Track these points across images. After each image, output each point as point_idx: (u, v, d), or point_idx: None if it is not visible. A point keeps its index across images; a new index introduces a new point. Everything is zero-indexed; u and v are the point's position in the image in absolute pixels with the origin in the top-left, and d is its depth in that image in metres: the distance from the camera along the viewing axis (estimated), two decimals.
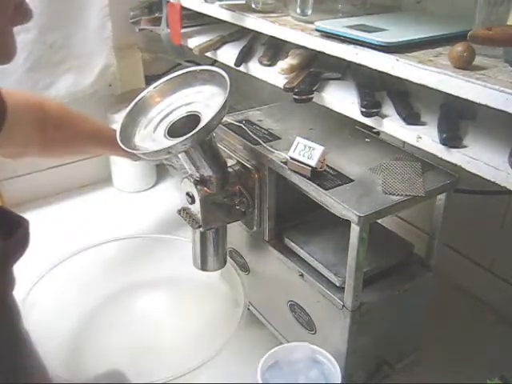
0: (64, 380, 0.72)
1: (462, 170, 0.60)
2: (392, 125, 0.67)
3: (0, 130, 0.74)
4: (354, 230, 0.67)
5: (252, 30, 0.88)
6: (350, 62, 0.69)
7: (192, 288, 0.97)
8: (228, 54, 0.95)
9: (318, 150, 0.72)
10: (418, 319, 0.84)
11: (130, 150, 0.72)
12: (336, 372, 0.71)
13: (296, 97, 0.75)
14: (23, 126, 0.82)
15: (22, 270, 0.98)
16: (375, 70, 0.65)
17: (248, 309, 0.92)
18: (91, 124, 0.99)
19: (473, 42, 0.55)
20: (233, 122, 0.90)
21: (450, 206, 0.76)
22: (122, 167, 1.39)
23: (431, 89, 0.59)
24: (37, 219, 1.28)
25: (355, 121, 0.72)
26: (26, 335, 0.53)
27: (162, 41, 1.14)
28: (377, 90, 0.74)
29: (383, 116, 0.69)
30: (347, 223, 0.68)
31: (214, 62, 1.02)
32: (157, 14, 1.16)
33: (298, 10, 0.78)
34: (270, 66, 0.87)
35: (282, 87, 0.77)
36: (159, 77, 0.81)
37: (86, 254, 1.02)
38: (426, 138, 0.63)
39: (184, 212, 0.83)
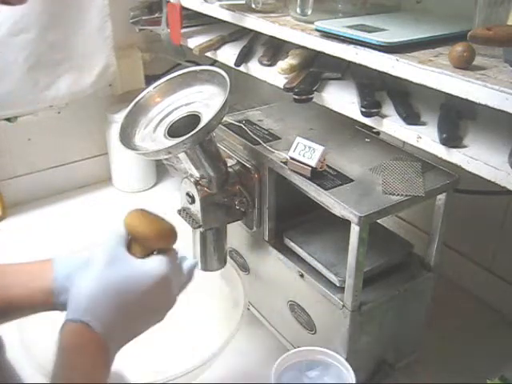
0: None
1: (462, 170, 0.60)
2: (392, 125, 0.67)
3: None
4: (354, 230, 0.67)
5: (252, 30, 0.88)
6: (349, 61, 0.69)
7: (192, 288, 0.96)
8: (228, 54, 0.95)
9: (318, 149, 0.72)
10: (418, 319, 0.84)
11: (130, 150, 0.72)
12: (349, 374, 0.70)
13: (296, 97, 0.75)
14: None
15: None
16: (375, 69, 0.65)
17: (248, 309, 0.92)
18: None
19: (473, 42, 0.55)
20: (233, 121, 0.90)
21: (450, 205, 0.76)
22: (122, 167, 1.39)
23: (431, 89, 0.59)
24: (37, 219, 1.29)
25: (355, 121, 0.72)
26: None
27: (162, 41, 1.14)
28: (377, 90, 0.74)
29: (383, 116, 0.69)
30: (347, 223, 0.68)
31: (214, 62, 1.02)
32: (157, 14, 1.17)
33: (298, 10, 0.78)
34: (270, 66, 0.87)
35: (282, 87, 0.77)
36: (159, 77, 0.81)
37: None
38: (425, 138, 0.63)
39: (184, 212, 0.83)
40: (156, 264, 0.59)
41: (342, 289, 0.73)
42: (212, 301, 0.95)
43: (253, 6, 0.85)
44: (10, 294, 0.61)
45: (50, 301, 0.60)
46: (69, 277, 0.59)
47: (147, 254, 0.61)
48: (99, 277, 0.56)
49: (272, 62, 0.87)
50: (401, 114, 0.68)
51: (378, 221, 0.79)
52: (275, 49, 0.91)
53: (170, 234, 0.62)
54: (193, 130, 0.69)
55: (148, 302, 0.58)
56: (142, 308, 0.58)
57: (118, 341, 0.56)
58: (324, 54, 0.73)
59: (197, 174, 0.78)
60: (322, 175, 0.74)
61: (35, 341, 0.78)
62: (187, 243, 0.87)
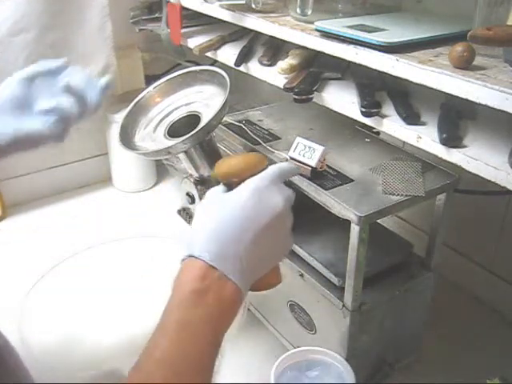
0: (62, 380, 0.72)
1: (462, 170, 0.60)
2: (392, 125, 0.67)
3: None
4: (354, 229, 0.67)
5: (252, 30, 0.88)
6: (349, 61, 0.69)
7: None
8: (228, 54, 0.95)
9: (318, 149, 0.72)
10: (417, 319, 0.84)
11: (130, 150, 0.72)
12: (349, 374, 0.70)
13: (296, 97, 0.75)
14: None
15: (22, 270, 0.98)
16: (375, 69, 0.65)
17: (248, 309, 0.92)
18: None
19: (473, 42, 0.55)
20: (233, 121, 0.90)
21: (450, 206, 0.75)
22: (122, 167, 1.39)
23: (431, 89, 0.59)
24: (37, 219, 1.29)
25: (355, 121, 0.72)
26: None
27: (162, 41, 1.14)
28: (377, 90, 0.74)
29: (383, 116, 0.69)
30: (347, 223, 0.68)
31: (214, 62, 1.02)
32: (157, 14, 1.16)
33: (298, 10, 0.78)
34: (270, 66, 0.87)
35: (282, 87, 0.77)
36: (159, 77, 0.81)
37: (86, 254, 1.02)
38: (426, 138, 0.63)
39: (184, 212, 0.83)
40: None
41: (342, 289, 0.73)
42: None
43: (253, 5, 0.85)
44: None
45: None
46: None
47: None
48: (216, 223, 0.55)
49: (272, 62, 0.87)
50: (401, 114, 0.68)
51: (378, 221, 0.79)
52: (275, 49, 0.91)
53: (256, 158, 0.61)
54: (193, 130, 0.69)
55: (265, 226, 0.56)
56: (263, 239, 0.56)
57: (248, 280, 0.56)
58: (324, 54, 0.73)
59: (197, 174, 0.78)
60: (322, 175, 0.74)
61: (35, 341, 0.78)
62: None
